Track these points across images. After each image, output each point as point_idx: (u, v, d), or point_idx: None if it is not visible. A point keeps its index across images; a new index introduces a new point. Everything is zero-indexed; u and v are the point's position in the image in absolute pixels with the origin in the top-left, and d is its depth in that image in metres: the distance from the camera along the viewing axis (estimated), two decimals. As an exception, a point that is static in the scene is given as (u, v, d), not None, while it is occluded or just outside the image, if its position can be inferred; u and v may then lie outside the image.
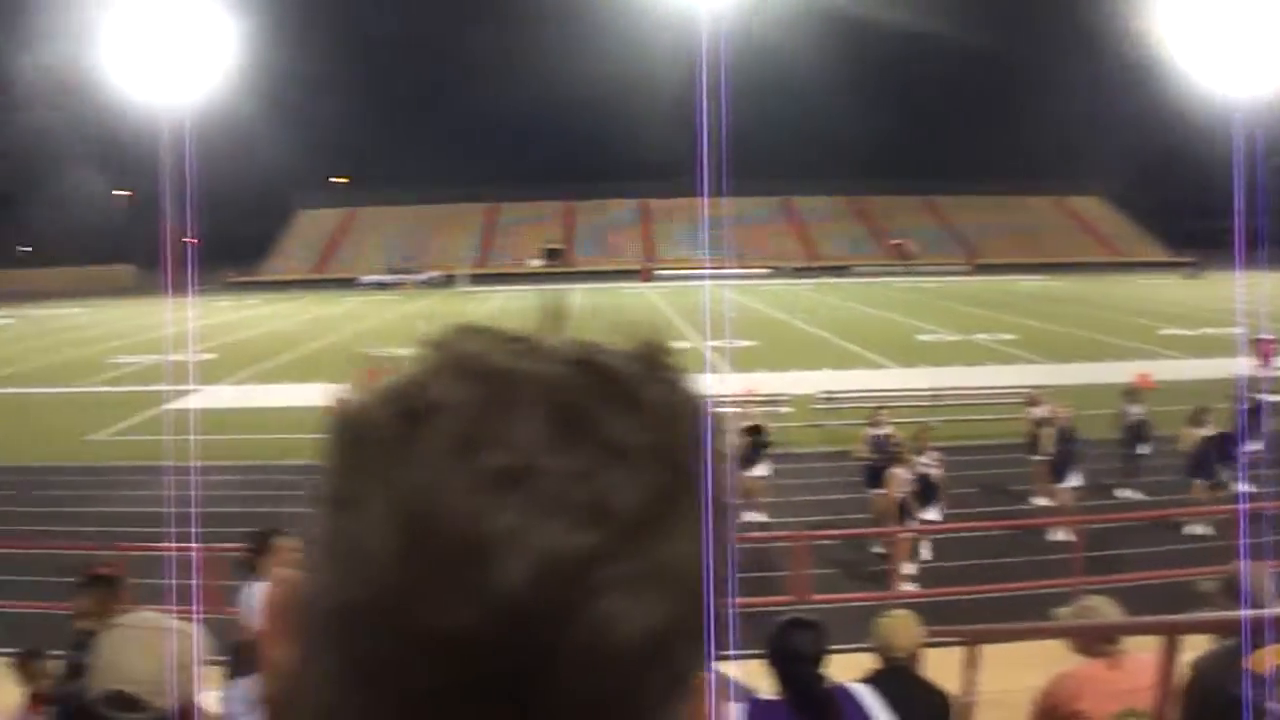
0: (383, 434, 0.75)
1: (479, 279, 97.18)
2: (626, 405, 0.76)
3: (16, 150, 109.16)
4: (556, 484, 0.71)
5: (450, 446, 0.72)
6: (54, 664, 7.73)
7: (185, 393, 33.45)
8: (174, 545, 13.68)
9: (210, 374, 37.29)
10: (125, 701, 2.88)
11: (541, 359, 0.78)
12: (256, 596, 7.46)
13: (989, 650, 7.76)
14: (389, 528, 0.70)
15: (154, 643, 2.82)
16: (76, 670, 6.18)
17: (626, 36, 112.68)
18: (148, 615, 2.87)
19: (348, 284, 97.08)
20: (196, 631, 2.90)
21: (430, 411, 0.74)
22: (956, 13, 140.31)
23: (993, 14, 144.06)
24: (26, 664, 7.68)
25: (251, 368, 40.07)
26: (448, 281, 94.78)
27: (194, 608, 6.59)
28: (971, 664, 7.57)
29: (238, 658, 6.96)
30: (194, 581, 12.14)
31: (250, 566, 8.04)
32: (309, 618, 0.75)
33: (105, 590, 6.85)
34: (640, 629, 0.70)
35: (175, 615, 2.93)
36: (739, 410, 20.61)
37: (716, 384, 29.48)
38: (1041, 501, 19.23)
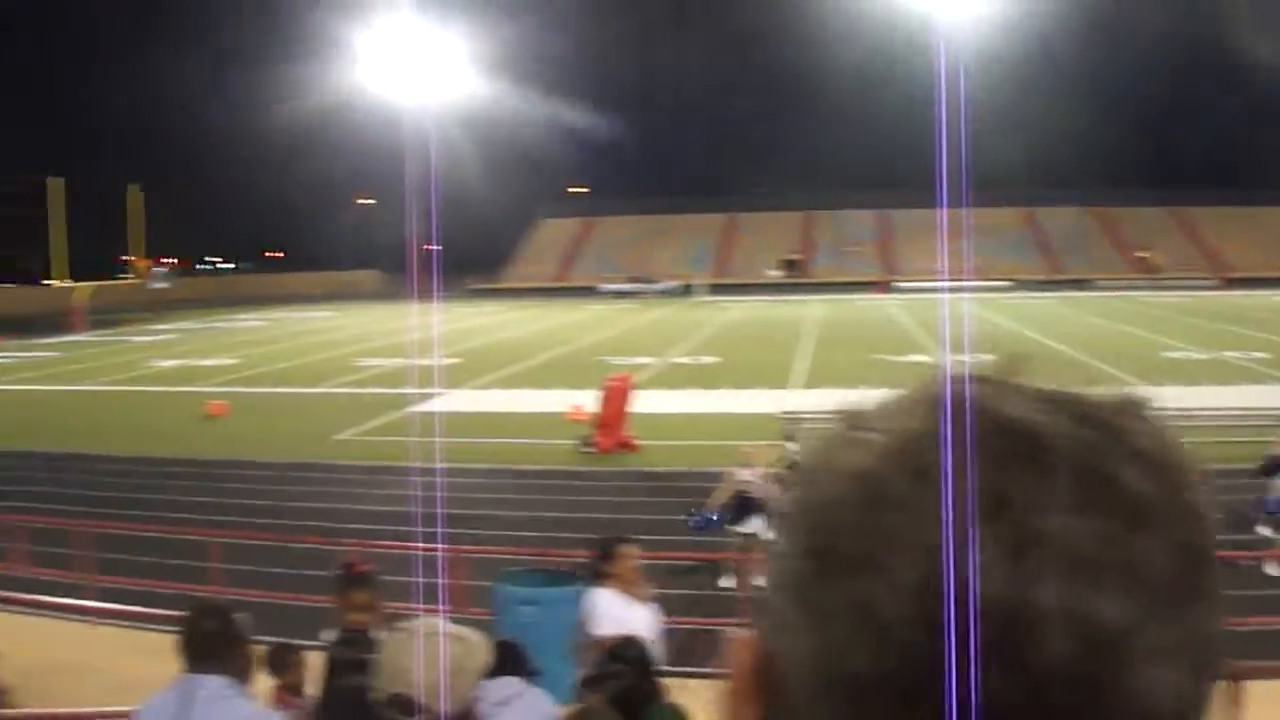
0: (896, 494, 0.70)
1: (717, 288, 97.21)
2: (1142, 462, 0.71)
3: (269, 159, 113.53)
4: (1090, 550, 0.67)
5: (977, 509, 0.66)
6: (300, 657, 7.81)
7: (430, 396, 34.13)
8: (422, 545, 13.78)
9: (453, 378, 38.03)
10: (407, 705, 2.85)
11: (1048, 412, 0.72)
12: (600, 604, 7.38)
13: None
14: (911, 594, 0.67)
15: (437, 648, 2.74)
16: (344, 666, 6.19)
17: (865, 47, 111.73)
18: (431, 620, 2.79)
19: (587, 292, 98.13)
20: (478, 639, 2.81)
21: (948, 469, 0.67)
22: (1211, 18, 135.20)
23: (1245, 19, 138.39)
24: (280, 655, 7.72)
25: (494, 373, 40.67)
26: (685, 290, 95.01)
27: (440, 606, 6.54)
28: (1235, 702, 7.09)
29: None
30: (440, 581, 12.29)
31: (595, 573, 7.93)
32: (796, 683, 0.71)
33: (371, 588, 6.86)
34: (1175, 699, 0.67)
35: (457, 621, 2.85)
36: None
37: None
38: (1265, 531, 17.95)
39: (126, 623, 12.40)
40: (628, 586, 7.49)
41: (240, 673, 4.41)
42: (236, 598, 14.11)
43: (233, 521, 19.43)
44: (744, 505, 16.40)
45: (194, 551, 16.76)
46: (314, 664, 7.26)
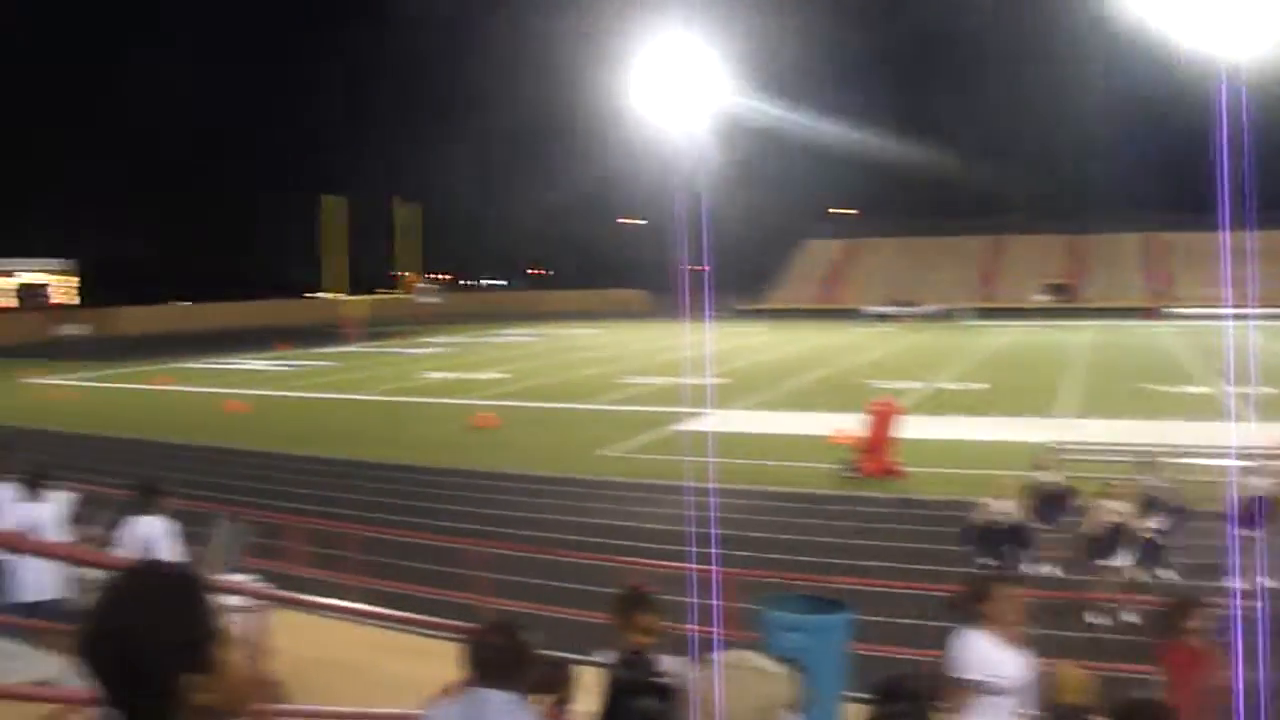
0: None
1: (982, 313, 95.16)
2: None
3: (539, 179, 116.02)
4: None
5: None
6: (571, 674, 7.64)
7: (693, 415, 34.07)
8: (687, 564, 13.56)
9: (719, 398, 37.93)
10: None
11: None
12: (971, 646, 7.01)
13: None
14: None
15: (750, 683, 2.50)
16: (626, 688, 6.02)
17: (1134, 67, 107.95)
18: (745, 654, 2.56)
19: (849, 314, 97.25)
20: (783, 672, 2.55)
21: None
22: None
23: None
24: (552, 672, 7.55)
25: (757, 394, 40.38)
26: (949, 315, 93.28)
27: (715, 628, 6.34)
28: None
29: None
30: (715, 602, 12.08)
31: (966, 612, 7.50)
32: None
33: (654, 610, 6.64)
34: None
35: (768, 658, 2.60)
36: (1267, 464, 18.66)
37: (1240, 434, 27.40)
38: None
39: (390, 625, 12.56)
40: (1002, 628, 7.02)
41: (528, 689, 4.31)
42: (500, 608, 14.18)
43: (496, 532, 19.62)
44: (992, 537, 15.85)
45: (458, 559, 16.92)
46: (584, 681, 7.10)
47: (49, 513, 11.87)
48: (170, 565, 2.27)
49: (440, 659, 10.77)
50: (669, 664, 6.18)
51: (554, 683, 7.32)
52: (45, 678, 8.53)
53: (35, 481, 12.07)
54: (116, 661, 2.07)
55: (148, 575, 2.23)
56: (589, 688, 6.71)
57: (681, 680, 5.96)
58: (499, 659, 4.35)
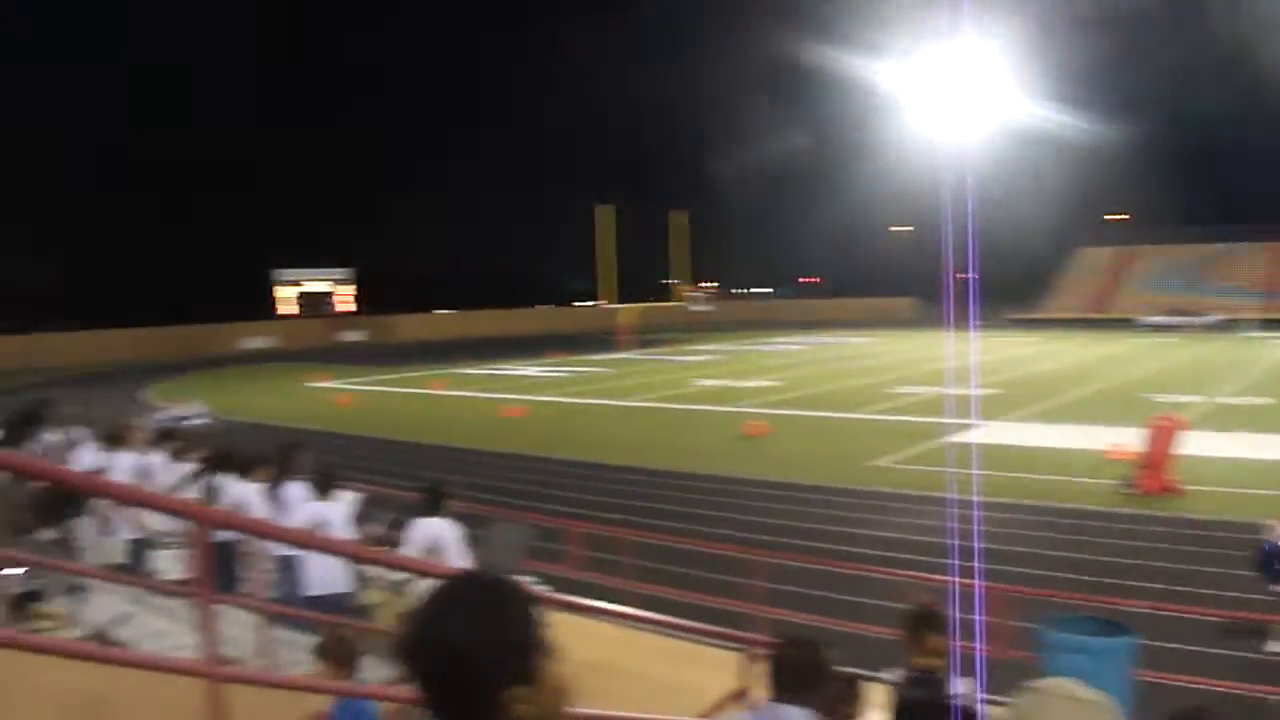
0: None
1: (1266, 324, 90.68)
2: None
3: (807, 188, 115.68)
4: None
5: None
6: (858, 689, 7.68)
7: (966, 426, 33.60)
8: (963, 579, 13.42)
9: (990, 409, 37.29)
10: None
11: None
12: None
13: None
14: None
15: (1071, 714, 2.53)
16: (917, 710, 5.96)
17: None
18: (1064, 684, 2.58)
19: (1125, 324, 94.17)
20: (1110, 704, 2.58)
21: None
22: None
23: None
24: (842, 687, 7.61)
25: (1031, 406, 39.40)
26: (1231, 325, 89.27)
27: (977, 645, 6.28)
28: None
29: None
30: (977, 618, 11.94)
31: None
32: None
33: (944, 630, 6.55)
34: None
35: (1087, 687, 2.61)
36: None
37: None
38: None
39: (662, 631, 12.75)
40: None
41: (824, 706, 4.35)
42: (773, 618, 14.31)
43: (766, 541, 19.67)
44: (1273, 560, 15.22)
45: (729, 567, 17.10)
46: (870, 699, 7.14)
47: (336, 511, 12.49)
48: (495, 575, 2.26)
49: (712, 667, 10.95)
50: (960, 686, 6.01)
51: (844, 699, 7.40)
52: None
53: (324, 481, 12.76)
54: (440, 670, 2.10)
55: (473, 584, 2.23)
56: (875, 705, 6.76)
57: (971, 702, 5.92)
58: (799, 674, 4.35)
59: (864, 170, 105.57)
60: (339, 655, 5.79)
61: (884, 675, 6.51)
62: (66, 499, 11.83)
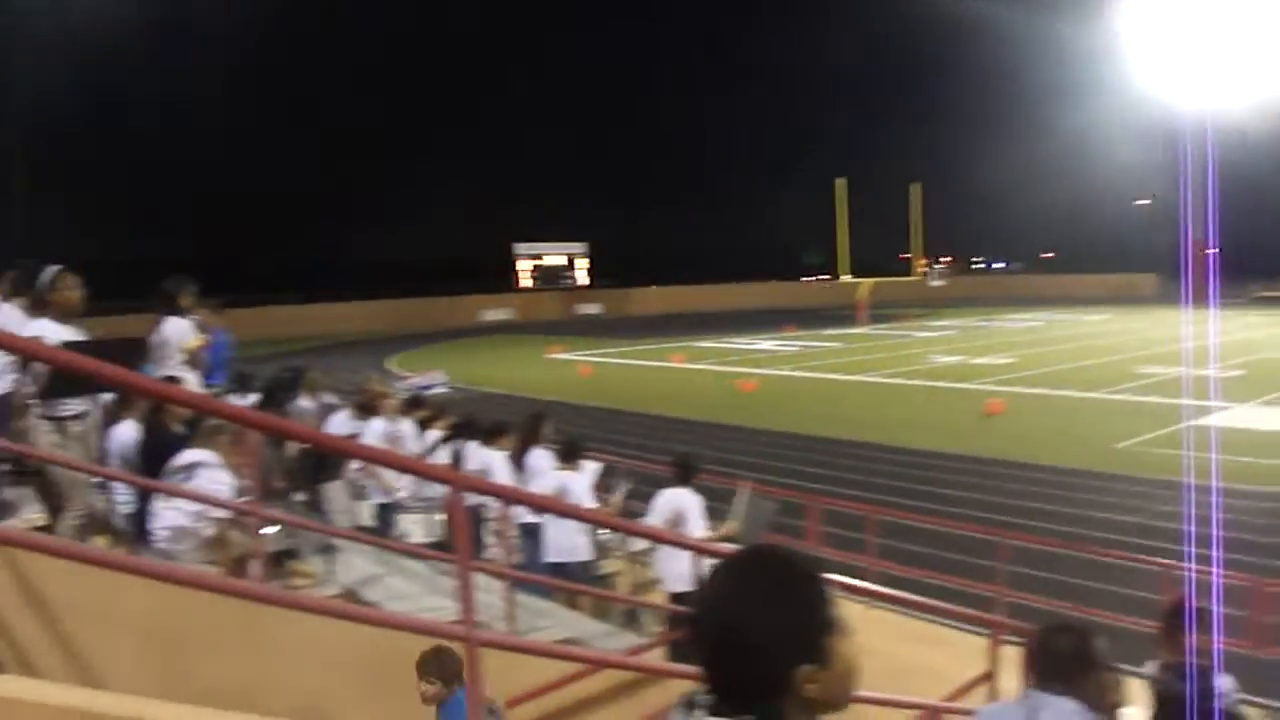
0: None
1: None
2: None
3: (1046, 160, 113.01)
4: None
5: None
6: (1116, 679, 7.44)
7: (1208, 410, 32.41)
8: (1217, 570, 12.95)
9: (1235, 392, 35.84)
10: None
11: None
12: None
13: None
14: None
15: None
16: (1179, 705, 5.72)
17: None
18: None
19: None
20: None
21: None
22: None
23: None
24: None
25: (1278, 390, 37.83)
26: None
27: (1214, 637, 6.07)
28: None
29: None
30: (1214, 608, 11.49)
31: None
32: None
33: (1205, 624, 6.26)
34: None
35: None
36: None
37: None
38: None
39: (902, 610, 12.64)
40: None
41: (1091, 699, 4.19)
42: (1015, 601, 14.07)
43: (1007, 522, 19.43)
44: None
45: (969, 547, 16.91)
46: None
47: (580, 480, 12.81)
48: (785, 552, 2.20)
49: (957, 650, 10.87)
50: (1223, 683, 5.80)
51: (1110, 689, 7.19)
52: (571, 636, 9.11)
53: (568, 450, 13.03)
54: (730, 649, 2.08)
55: (763, 561, 2.19)
56: (1134, 699, 6.58)
57: (1233, 701, 5.72)
58: (1068, 661, 4.21)
59: (1101, 140, 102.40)
60: (441, 671, 5.85)
61: (1143, 669, 6.31)
62: (321, 463, 12.24)
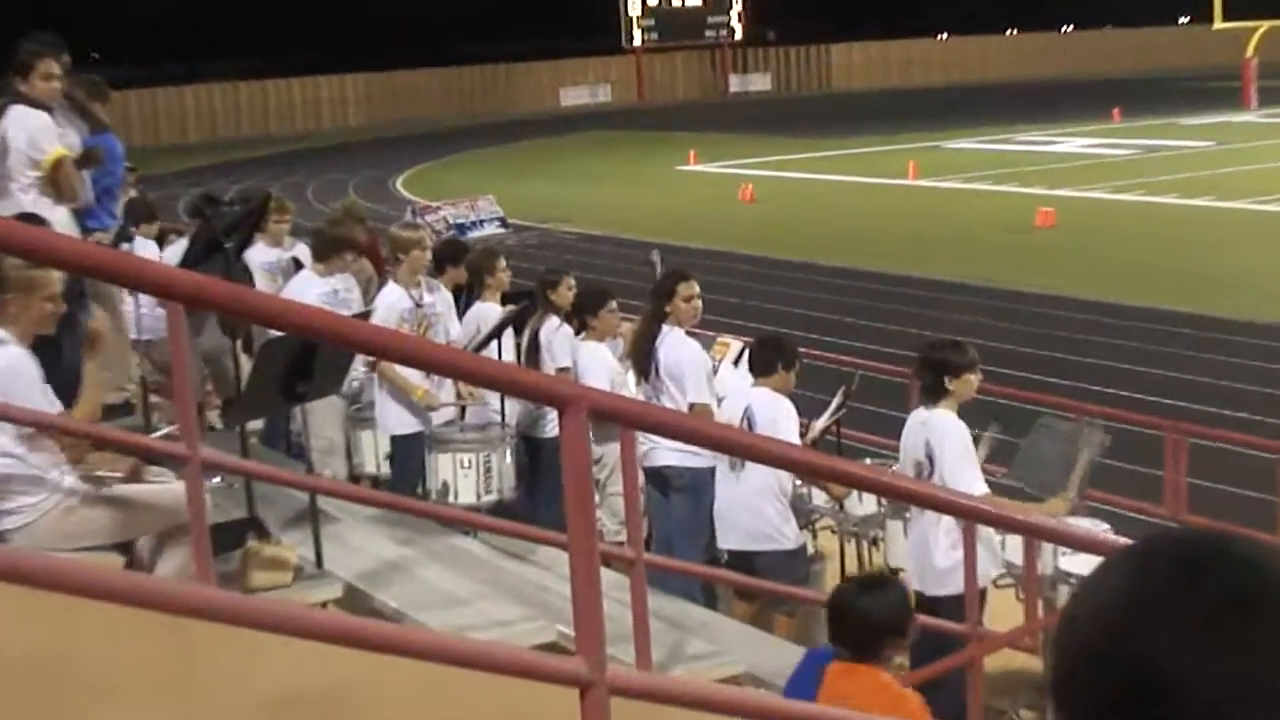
0: None
1: None
2: None
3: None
4: None
5: None
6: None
7: None
8: None
9: None
10: None
11: None
12: None
13: None
14: None
15: None
16: None
17: None
18: None
19: None
20: None
21: None
22: None
23: None
24: None
25: None
26: None
27: None
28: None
29: None
30: None
31: None
32: None
33: None
34: None
35: None
36: None
37: None
38: None
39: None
40: None
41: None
42: None
43: None
44: None
45: None
46: None
47: (780, 403, 8.34)
48: (1245, 548, 1.14)
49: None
50: None
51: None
52: (753, 671, 6.11)
53: (769, 349, 8.44)
54: (1143, 703, 1.13)
55: (1212, 566, 1.13)
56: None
57: None
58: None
59: None
60: None
61: None
62: (298, 365, 8.22)
